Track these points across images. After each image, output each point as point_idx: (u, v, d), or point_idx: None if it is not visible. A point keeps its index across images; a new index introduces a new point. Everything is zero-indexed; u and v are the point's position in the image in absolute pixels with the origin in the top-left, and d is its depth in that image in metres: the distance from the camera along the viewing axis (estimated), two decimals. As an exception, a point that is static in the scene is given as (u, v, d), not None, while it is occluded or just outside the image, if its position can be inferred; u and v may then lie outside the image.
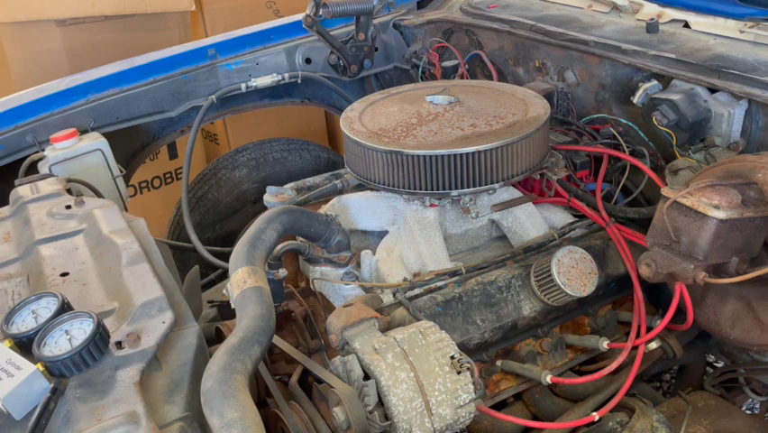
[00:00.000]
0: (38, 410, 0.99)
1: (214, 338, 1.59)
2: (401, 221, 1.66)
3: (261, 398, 1.45)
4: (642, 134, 1.76)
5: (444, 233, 1.66)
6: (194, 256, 2.31)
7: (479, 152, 1.51)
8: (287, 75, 2.48)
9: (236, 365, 0.99)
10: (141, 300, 1.19)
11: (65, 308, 1.14)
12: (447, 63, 2.32)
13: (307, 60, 2.56)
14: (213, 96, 2.37)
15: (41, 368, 1.02)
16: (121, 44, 3.31)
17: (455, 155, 1.51)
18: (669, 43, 1.77)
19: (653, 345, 1.52)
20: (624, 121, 1.80)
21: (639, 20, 1.96)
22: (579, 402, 1.51)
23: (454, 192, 1.55)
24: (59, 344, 1.06)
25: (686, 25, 1.86)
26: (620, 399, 1.43)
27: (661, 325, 1.46)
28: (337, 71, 2.59)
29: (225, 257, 1.62)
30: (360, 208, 1.71)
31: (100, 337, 1.07)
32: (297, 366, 1.39)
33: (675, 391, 1.68)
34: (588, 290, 1.46)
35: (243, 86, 2.44)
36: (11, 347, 1.08)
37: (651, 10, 1.96)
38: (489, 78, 2.25)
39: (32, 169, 1.98)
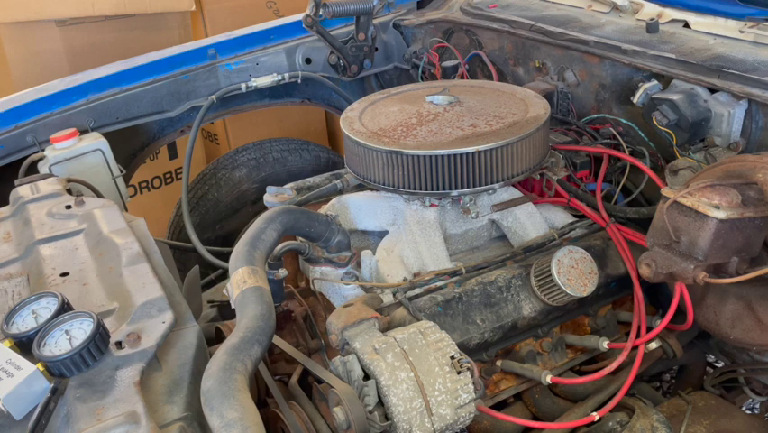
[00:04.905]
0: (38, 410, 0.99)
1: (214, 338, 1.59)
2: (401, 221, 1.66)
3: (261, 398, 1.45)
4: (642, 134, 1.76)
5: (444, 233, 1.66)
6: (194, 256, 2.32)
7: (479, 152, 1.51)
8: (287, 75, 2.48)
9: (236, 365, 1.00)
10: (141, 300, 1.19)
11: (65, 308, 1.14)
12: (447, 63, 2.32)
13: (307, 60, 2.57)
14: (213, 96, 2.38)
15: (41, 368, 1.03)
16: (121, 44, 3.31)
17: (455, 155, 1.51)
18: (669, 43, 1.77)
19: (653, 345, 1.52)
20: (624, 121, 1.80)
21: (639, 20, 1.95)
22: (579, 402, 1.51)
23: (454, 192, 1.55)
24: (59, 344, 1.06)
25: (686, 25, 1.86)
26: (620, 399, 1.43)
27: (661, 325, 1.46)
28: (337, 71, 2.59)
29: (225, 257, 1.62)
30: (360, 208, 1.71)
31: (100, 337, 1.07)
32: (297, 366, 1.39)
33: (675, 391, 1.68)
34: (588, 290, 1.46)
35: (243, 86, 2.44)
36: (11, 347, 1.08)
37: (651, 10, 1.96)
38: (489, 78, 2.25)
39: (32, 169, 1.98)
